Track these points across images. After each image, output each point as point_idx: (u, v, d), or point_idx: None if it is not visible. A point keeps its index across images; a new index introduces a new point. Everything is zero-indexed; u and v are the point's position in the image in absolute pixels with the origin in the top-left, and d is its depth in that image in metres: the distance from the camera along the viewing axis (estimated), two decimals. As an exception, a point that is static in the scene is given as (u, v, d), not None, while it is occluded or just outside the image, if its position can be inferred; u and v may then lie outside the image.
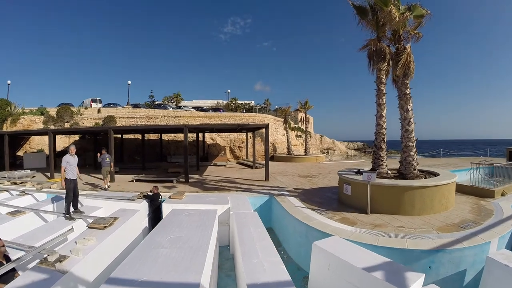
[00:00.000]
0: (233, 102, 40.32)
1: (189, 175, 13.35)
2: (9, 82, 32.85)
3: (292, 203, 8.14)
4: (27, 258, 4.98)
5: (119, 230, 6.32)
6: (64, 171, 7.48)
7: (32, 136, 22.29)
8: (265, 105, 43.25)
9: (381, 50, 8.82)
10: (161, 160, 22.21)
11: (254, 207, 8.57)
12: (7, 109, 23.35)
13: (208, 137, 23.59)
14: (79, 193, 8.17)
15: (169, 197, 8.69)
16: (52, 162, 15.49)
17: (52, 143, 16.07)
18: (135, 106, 33.16)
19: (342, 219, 7.00)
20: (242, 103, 41.56)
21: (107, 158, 12.08)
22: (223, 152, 23.66)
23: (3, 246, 4.57)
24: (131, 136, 22.82)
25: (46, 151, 20.11)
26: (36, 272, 4.25)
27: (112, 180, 12.77)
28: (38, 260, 4.71)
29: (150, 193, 8.92)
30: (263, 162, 15.27)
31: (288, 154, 23.97)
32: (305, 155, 24.07)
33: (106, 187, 11.60)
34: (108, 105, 31.54)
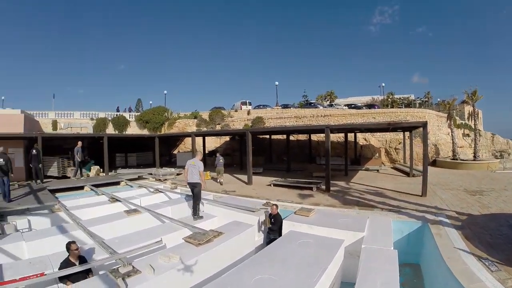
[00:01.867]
0: (390, 97, 40.14)
1: (334, 182, 13.63)
2: (165, 92, 43.22)
3: (450, 240, 6.76)
4: (98, 264, 5.32)
5: (215, 250, 5.99)
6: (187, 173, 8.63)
7: (186, 138, 27.00)
8: (426, 99, 41.83)
9: None
10: (310, 161, 23.02)
11: (399, 236, 7.84)
12: (164, 115, 30.53)
13: (361, 137, 23.47)
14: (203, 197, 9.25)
15: (295, 213, 8.32)
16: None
17: (198, 143, 18.96)
18: (285, 106, 35.52)
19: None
20: (399, 98, 41.31)
21: (221, 160, 15.44)
22: (377, 154, 23.04)
23: (77, 249, 5.16)
24: (279, 136, 24.64)
25: (201, 151, 23.92)
26: (100, 280, 4.60)
27: (249, 182, 14.43)
28: (114, 267, 4.96)
29: (268, 211, 8.30)
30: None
31: (453, 159, 22.34)
32: (474, 160, 21.98)
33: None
34: (258, 106, 35.57)
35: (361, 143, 23.40)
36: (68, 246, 5.18)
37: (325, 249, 5.64)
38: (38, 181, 14.20)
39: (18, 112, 18.84)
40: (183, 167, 19.19)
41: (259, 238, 7.91)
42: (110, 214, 9.06)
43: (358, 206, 9.66)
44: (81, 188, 13.93)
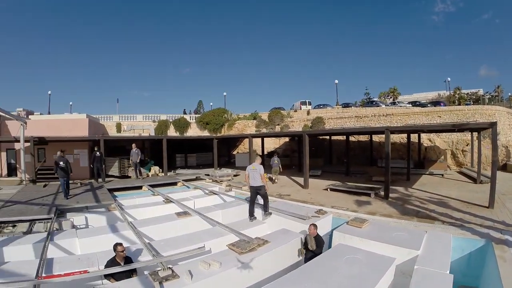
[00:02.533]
0: (456, 92, 38.47)
1: (395, 187, 13.42)
2: (225, 93, 45.33)
3: (515, 264, 6.23)
4: (141, 266, 5.60)
5: (258, 259, 5.83)
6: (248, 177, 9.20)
7: (246, 139, 27.58)
8: (496, 93, 40.46)
9: None
10: (371, 164, 22.95)
11: (459, 254, 7.25)
12: (224, 116, 31.67)
13: (425, 138, 22.85)
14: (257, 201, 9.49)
15: (347, 223, 7.95)
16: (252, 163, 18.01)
17: (257, 144, 19.27)
18: (346, 105, 35.63)
19: None
20: (466, 93, 40.29)
21: (275, 161, 16.62)
22: (442, 157, 22.05)
23: (123, 251, 5.53)
24: (340, 137, 24.45)
25: (258, 152, 25.00)
26: (139, 282, 4.81)
27: (305, 186, 14.53)
28: (155, 270, 5.12)
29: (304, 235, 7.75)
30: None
31: (527, 163, 20.21)
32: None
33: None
34: (318, 106, 36.06)
35: (425, 144, 22.70)
36: (115, 247, 5.53)
37: (374, 268, 5.30)
38: (100, 180, 15.71)
39: (84, 116, 21.23)
40: (242, 168, 20.00)
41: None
42: (162, 215, 9.49)
43: (417, 218, 9.25)
44: (139, 187, 14.95)
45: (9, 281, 4.78)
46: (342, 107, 33.87)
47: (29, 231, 7.97)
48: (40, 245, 6.43)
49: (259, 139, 24.87)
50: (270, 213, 9.07)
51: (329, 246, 7.15)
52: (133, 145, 16.73)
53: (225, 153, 30.17)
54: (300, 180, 15.39)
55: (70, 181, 12.34)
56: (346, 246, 6.41)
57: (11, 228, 8.14)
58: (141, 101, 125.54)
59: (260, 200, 9.34)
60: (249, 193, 9.46)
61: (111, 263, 5.38)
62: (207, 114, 32.57)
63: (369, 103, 37.32)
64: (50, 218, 8.54)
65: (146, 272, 5.26)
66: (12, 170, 18.96)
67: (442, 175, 17.94)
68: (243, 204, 10.56)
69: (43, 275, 4.99)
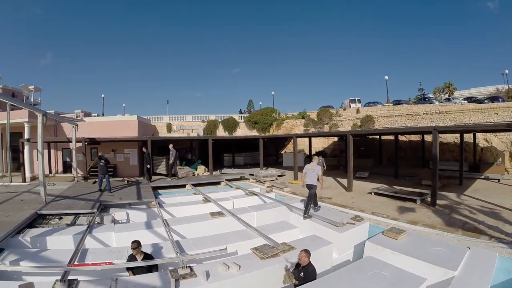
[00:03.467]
0: None
1: (444, 193, 12.63)
2: (273, 93, 46.25)
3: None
4: (164, 262, 5.98)
5: (278, 266, 5.83)
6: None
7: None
8: None
9: None
10: (423, 165, 21.71)
11: (504, 277, 6.23)
12: (272, 115, 31.72)
13: (481, 138, 21.23)
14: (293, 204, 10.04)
15: (383, 233, 7.41)
16: (296, 164, 18.35)
17: (305, 144, 19.33)
18: (397, 102, 34.12)
19: None
20: None
21: (320, 160, 15.37)
22: (500, 159, 20.18)
23: (135, 248, 5.72)
24: (390, 136, 23.48)
25: (306, 151, 24.94)
26: (158, 277, 5.20)
27: (349, 189, 14.15)
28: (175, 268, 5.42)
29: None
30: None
31: None
32: None
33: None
34: (368, 104, 34.98)
35: (481, 145, 20.93)
36: (131, 244, 5.86)
37: (400, 288, 4.79)
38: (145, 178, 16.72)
39: (134, 118, 22.78)
40: (288, 168, 19.95)
41: (339, 257, 7.24)
42: (198, 214, 9.85)
43: (463, 230, 8.38)
44: (183, 186, 15.61)
45: (43, 266, 5.53)
46: (393, 105, 32.52)
47: (72, 224, 8.81)
48: (79, 236, 7.14)
49: (307, 139, 24.58)
50: (310, 216, 9.06)
51: (361, 257, 6.80)
52: (170, 146, 17.30)
53: (273, 153, 30.31)
54: (345, 182, 14.95)
55: (119, 179, 13.48)
56: (375, 260, 6.03)
57: (57, 220, 9.09)
58: (193, 101, 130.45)
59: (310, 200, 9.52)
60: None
61: (130, 258, 5.76)
62: (255, 114, 33.01)
63: (422, 99, 36.08)
64: (93, 213, 9.37)
65: (170, 268, 5.47)
66: (67, 168, 21.27)
67: (499, 180, 16.44)
68: (280, 206, 10.57)
69: (76, 263, 5.58)
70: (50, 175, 19.84)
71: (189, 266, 5.36)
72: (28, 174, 18.11)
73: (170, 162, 17.19)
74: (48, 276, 5.25)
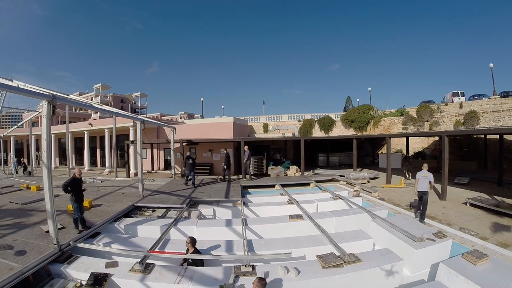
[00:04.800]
0: None
1: None
2: (369, 89, 42.86)
3: None
4: (227, 259, 6.70)
5: (337, 278, 5.66)
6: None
7: (392, 137, 25.80)
8: None
9: None
10: None
11: None
12: (369, 113, 29.93)
13: None
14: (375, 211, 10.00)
15: (463, 255, 6.31)
16: (389, 166, 17.20)
17: (404, 143, 17.75)
18: (506, 94, 28.07)
19: None
20: None
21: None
22: None
23: (188, 243, 6.51)
24: (496, 136, 20.04)
25: (404, 151, 23.13)
26: (221, 270, 5.80)
27: (442, 197, 12.86)
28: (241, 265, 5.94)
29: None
30: None
31: None
32: None
33: None
34: (473, 97, 30.37)
35: None
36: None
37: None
38: (247, 176, 17.80)
39: (229, 119, 24.38)
40: (385, 169, 18.67)
41: (412, 275, 6.61)
42: (279, 216, 10.10)
43: None
44: (273, 186, 16.26)
45: (127, 249, 6.89)
46: (500, 97, 26.93)
47: (163, 216, 10.19)
48: (165, 227, 8.39)
49: (405, 138, 22.66)
50: (424, 222, 9.47)
51: (434, 278, 6.10)
52: (245, 147, 17.85)
53: (369, 153, 29.02)
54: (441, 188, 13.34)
55: (214, 177, 15.52)
56: (442, 287, 5.40)
57: (150, 212, 10.72)
58: (293, 99, 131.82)
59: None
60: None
61: (187, 251, 6.56)
62: (352, 112, 31.60)
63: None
64: (182, 208, 10.65)
65: (235, 264, 5.99)
66: (168, 165, 24.25)
67: None
68: (361, 213, 10.02)
69: (157, 250, 6.67)
70: (152, 171, 23.20)
71: (252, 265, 5.77)
72: (132, 171, 21.45)
73: (244, 161, 17.78)
74: (131, 258, 6.44)
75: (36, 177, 20.50)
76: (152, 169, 24.14)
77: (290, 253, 6.63)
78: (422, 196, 9.98)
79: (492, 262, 5.99)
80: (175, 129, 19.90)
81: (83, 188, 8.31)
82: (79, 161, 29.39)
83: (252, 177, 18.19)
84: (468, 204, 11.56)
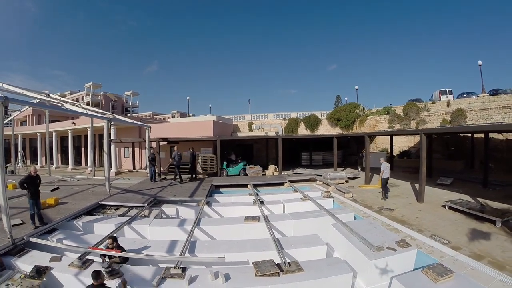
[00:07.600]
0: None
1: None
2: (356, 87, 42.25)
3: None
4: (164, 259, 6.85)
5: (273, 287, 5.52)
6: None
7: (377, 136, 26.14)
8: None
9: None
10: None
11: None
12: (355, 111, 29.91)
13: None
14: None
15: (423, 269, 5.73)
16: (368, 165, 17.48)
17: (384, 143, 18.40)
18: (495, 92, 28.06)
19: None
20: None
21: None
22: None
23: (111, 244, 6.64)
24: (483, 135, 19.75)
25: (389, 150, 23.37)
26: (149, 271, 6.04)
27: (420, 200, 12.42)
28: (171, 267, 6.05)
29: None
30: None
31: None
32: None
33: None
34: (461, 95, 30.35)
35: None
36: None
37: None
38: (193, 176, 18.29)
39: (210, 118, 24.71)
40: (370, 168, 18.68)
41: None
42: (236, 217, 10.10)
43: None
44: (245, 186, 16.35)
45: (74, 245, 7.53)
46: (489, 95, 26.90)
47: (123, 215, 10.38)
48: (119, 224, 8.79)
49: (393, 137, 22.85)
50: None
51: None
52: (175, 147, 18.51)
53: (355, 152, 28.68)
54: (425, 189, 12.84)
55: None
56: None
57: (113, 210, 11.01)
58: (289, 98, 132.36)
59: None
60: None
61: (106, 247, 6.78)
62: (338, 110, 31.70)
63: (527, 88, 28.25)
64: (143, 206, 10.87)
65: (167, 266, 6.08)
66: None
67: None
68: (324, 216, 9.64)
69: (101, 247, 6.96)
70: (134, 170, 23.29)
71: (182, 267, 5.85)
72: (113, 170, 21.52)
73: (170, 161, 18.53)
74: (76, 253, 6.85)
75: (17, 176, 20.38)
76: (134, 168, 24.30)
77: (224, 257, 6.59)
78: (387, 181, 13.06)
79: (457, 280, 5.26)
80: (150, 128, 19.98)
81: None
82: (65, 160, 29.24)
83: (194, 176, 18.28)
84: (446, 207, 11.06)
